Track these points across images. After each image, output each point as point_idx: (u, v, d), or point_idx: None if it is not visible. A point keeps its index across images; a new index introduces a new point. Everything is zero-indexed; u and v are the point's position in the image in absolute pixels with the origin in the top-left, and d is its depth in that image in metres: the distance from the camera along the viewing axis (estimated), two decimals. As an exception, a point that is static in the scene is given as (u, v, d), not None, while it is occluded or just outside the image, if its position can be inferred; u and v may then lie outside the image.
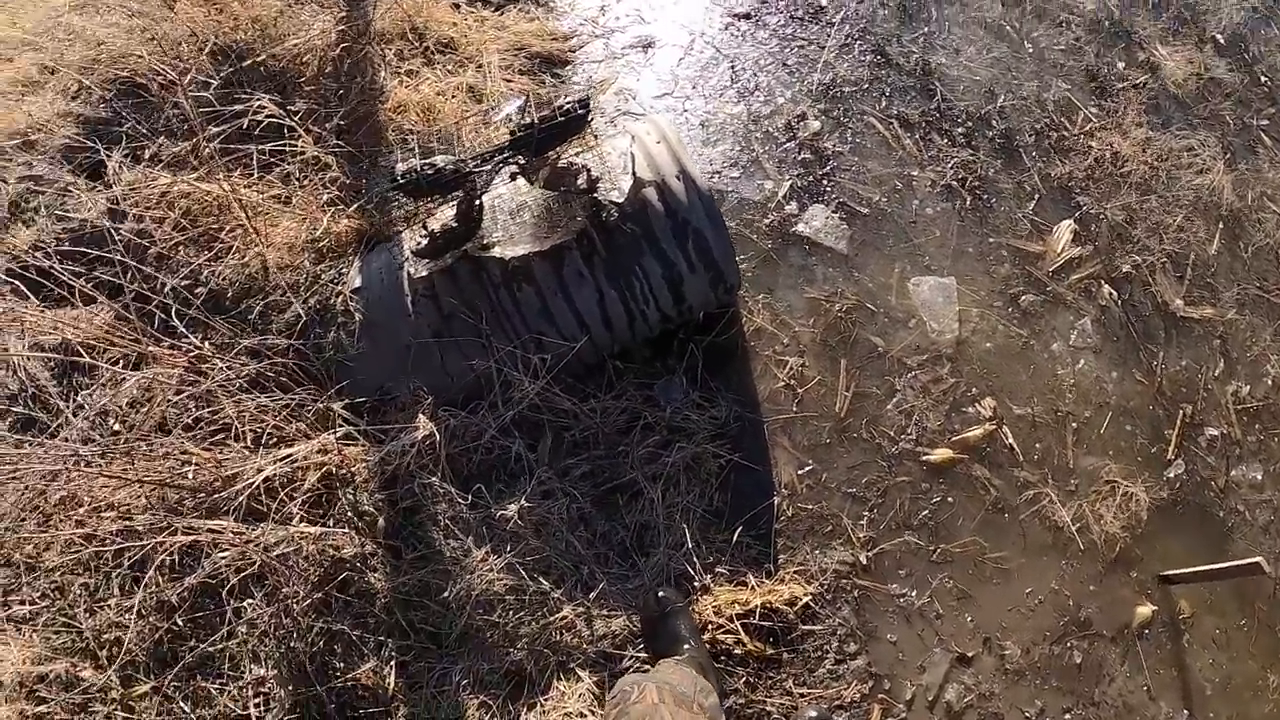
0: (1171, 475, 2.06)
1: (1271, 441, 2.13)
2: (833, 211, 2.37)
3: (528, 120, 1.70)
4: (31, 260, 1.74)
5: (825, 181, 2.44)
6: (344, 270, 1.95)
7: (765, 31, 2.87)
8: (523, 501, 1.68)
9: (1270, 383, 2.17)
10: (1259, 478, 2.11)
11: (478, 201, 1.71)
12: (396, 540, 1.65)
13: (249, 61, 2.18)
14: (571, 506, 1.80)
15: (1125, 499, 2.02)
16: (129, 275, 1.58)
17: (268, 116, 1.90)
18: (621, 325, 1.86)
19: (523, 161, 1.72)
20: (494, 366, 1.82)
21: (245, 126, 1.85)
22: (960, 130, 2.49)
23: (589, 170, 1.80)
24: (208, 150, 1.86)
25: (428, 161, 1.72)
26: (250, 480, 1.39)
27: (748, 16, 2.90)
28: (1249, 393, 2.14)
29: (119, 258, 1.58)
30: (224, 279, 1.81)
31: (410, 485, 1.67)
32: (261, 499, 1.43)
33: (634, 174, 1.82)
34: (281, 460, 1.40)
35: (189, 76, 1.94)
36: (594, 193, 1.76)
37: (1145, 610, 2.02)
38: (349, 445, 1.63)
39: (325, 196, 2.06)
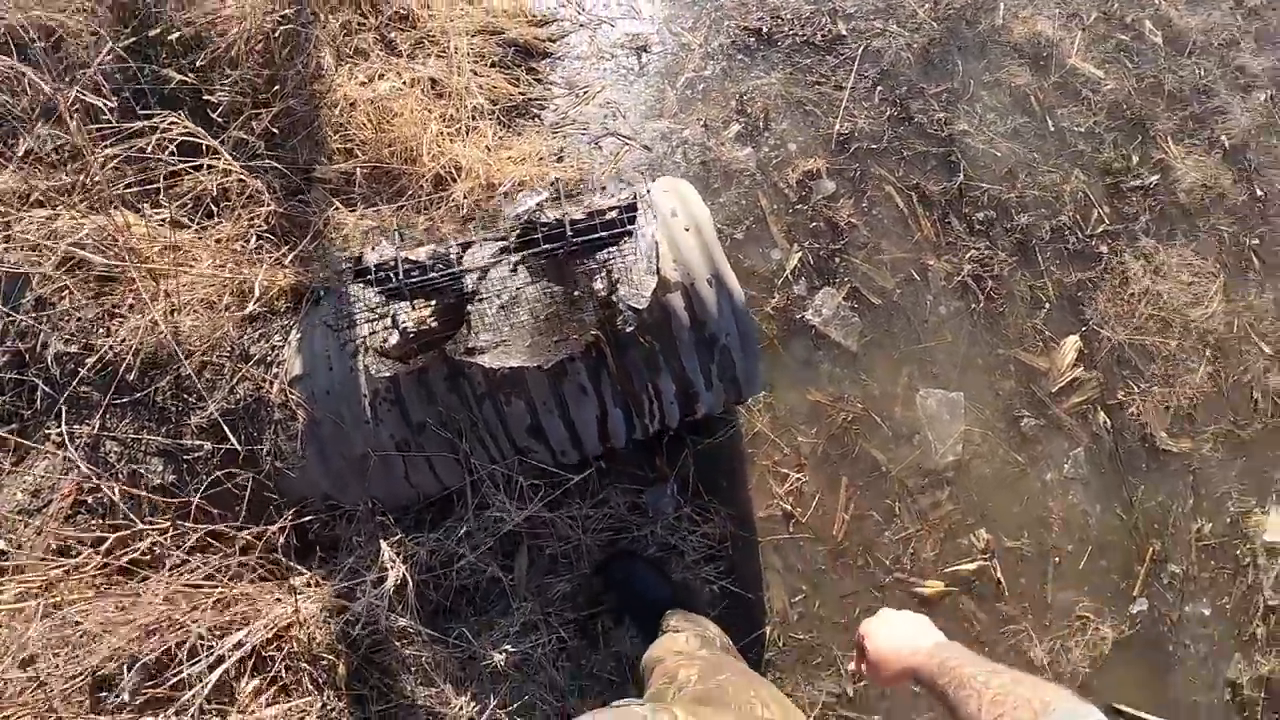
0: (1134, 611, 2.64)
1: (1220, 578, 2.76)
2: (844, 298, 2.68)
3: (552, 220, 1.77)
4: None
5: (838, 259, 2.76)
6: (277, 343, 1.95)
7: (778, 54, 3.11)
8: (507, 647, 1.86)
9: (1228, 520, 2.80)
10: (1206, 613, 2.74)
11: (468, 306, 1.78)
12: (361, 687, 1.78)
13: (157, 30, 2.11)
14: (554, 638, 2.00)
15: (1093, 635, 2.54)
16: None
17: (181, 133, 1.87)
18: (619, 437, 2.09)
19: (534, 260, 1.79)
20: (469, 484, 1.93)
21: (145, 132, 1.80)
22: (980, 216, 2.90)
23: (610, 270, 1.88)
24: (98, 167, 1.81)
25: (410, 258, 1.76)
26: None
27: (759, 33, 3.11)
28: (1210, 530, 2.75)
29: None
30: (123, 345, 1.80)
31: (375, 625, 1.80)
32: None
33: (659, 274, 1.91)
34: (232, 648, 1.49)
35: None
36: (611, 298, 1.86)
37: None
38: (302, 590, 1.73)
39: (253, 236, 2.07)
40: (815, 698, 2.44)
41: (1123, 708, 2.65)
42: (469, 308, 1.80)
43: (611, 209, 1.83)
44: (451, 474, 1.96)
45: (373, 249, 1.86)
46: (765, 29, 3.23)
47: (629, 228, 1.80)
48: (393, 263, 1.75)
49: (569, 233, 1.77)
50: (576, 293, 1.90)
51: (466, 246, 1.83)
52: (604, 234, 1.79)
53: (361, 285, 1.76)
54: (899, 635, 1.28)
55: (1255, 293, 3.24)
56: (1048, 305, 2.89)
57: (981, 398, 2.72)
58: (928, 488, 2.61)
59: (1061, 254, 2.98)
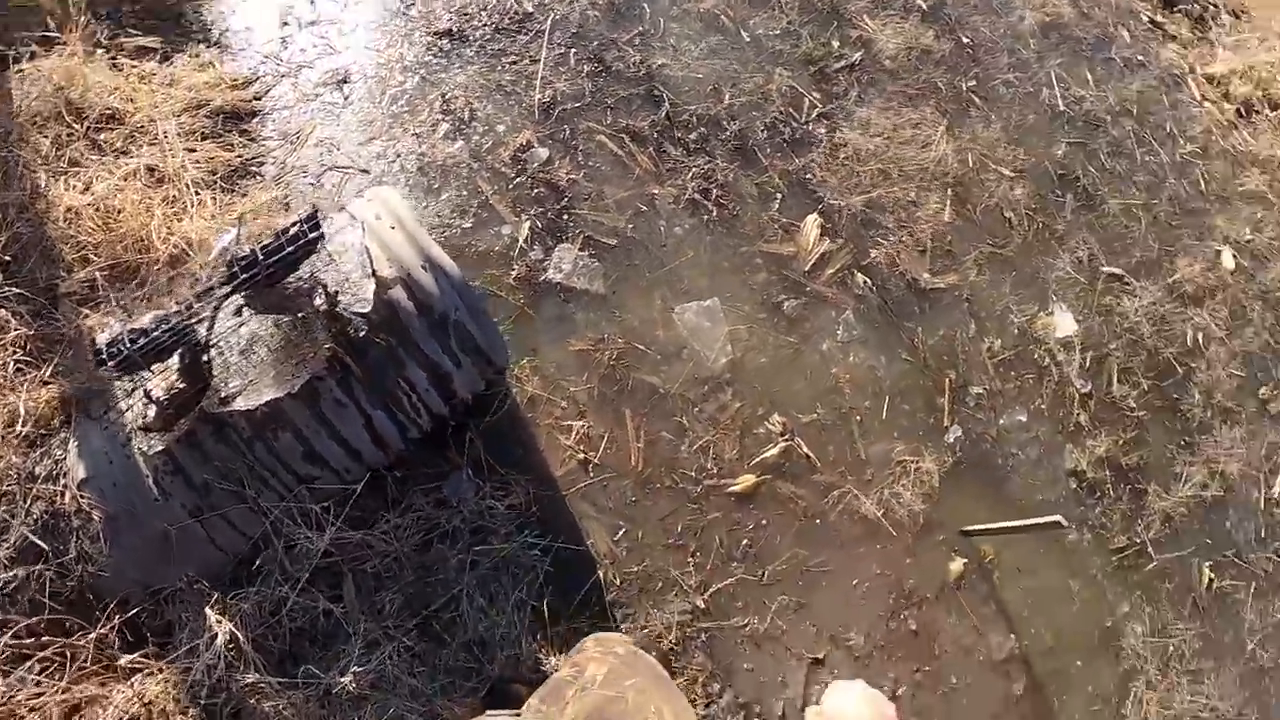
0: (950, 440, 2.74)
1: (1026, 384, 2.89)
2: (580, 249, 2.79)
3: (247, 253, 1.85)
4: None
5: (566, 216, 2.87)
6: (59, 455, 1.99)
7: (471, 49, 3.26)
8: (354, 668, 1.88)
9: (1016, 331, 2.93)
10: (1024, 419, 2.85)
11: (205, 356, 1.84)
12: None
13: None
14: (400, 648, 2.03)
15: (918, 474, 2.63)
16: None
17: None
18: (394, 439, 2.14)
19: (247, 294, 1.87)
20: (270, 527, 1.97)
21: None
22: (694, 136, 3.05)
23: (325, 286, 1.97)
24: None
25: (134, 328, 1.82)
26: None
27: (450, 34, 3.26)
28: (1000, 345, 2.88)
29: None
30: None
31: (227, 690, 1.82)
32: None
33: (374, 275, 2.01)
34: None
35: None
36: (335, 309, 1.96)
37: (957, 565, 2.69)
38: (146, 678, 1.75)
39: (10, 364, 2.12)
40: (670, 620, 2.47)
41: (971, 528, 2.73)
42: (206, 359, 1.87)
43: (293, 225, 1.92)
44: (251, 523, 2.01)
45: (103, 332, 1.92)
46: (455, 28, 3.39)
47: (312, 235, 1.89)
48: (120, 337, 1.81)
49: (260, 258, 1.85)
50: (302, 315, 1.99)
51: (188, 305, 1.91)
52: (291, 249, 1.87)
53: (105, 369, 1.83)
54: None
55: (981, 127, 3.45)
56: (779, 195, 3.03)
57: (738, 296, 2.83)
58: (710, 394, 2.69)
59: (780, 146, 3.15)
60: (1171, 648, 3.21)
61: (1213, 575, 3.36)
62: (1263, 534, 3.55)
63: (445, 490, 2.51)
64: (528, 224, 2.93)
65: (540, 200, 2.98)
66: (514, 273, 2.84)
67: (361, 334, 1.95)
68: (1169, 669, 3.20)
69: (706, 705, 2.50)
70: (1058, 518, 2.44)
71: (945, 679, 2.75)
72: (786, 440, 2.63)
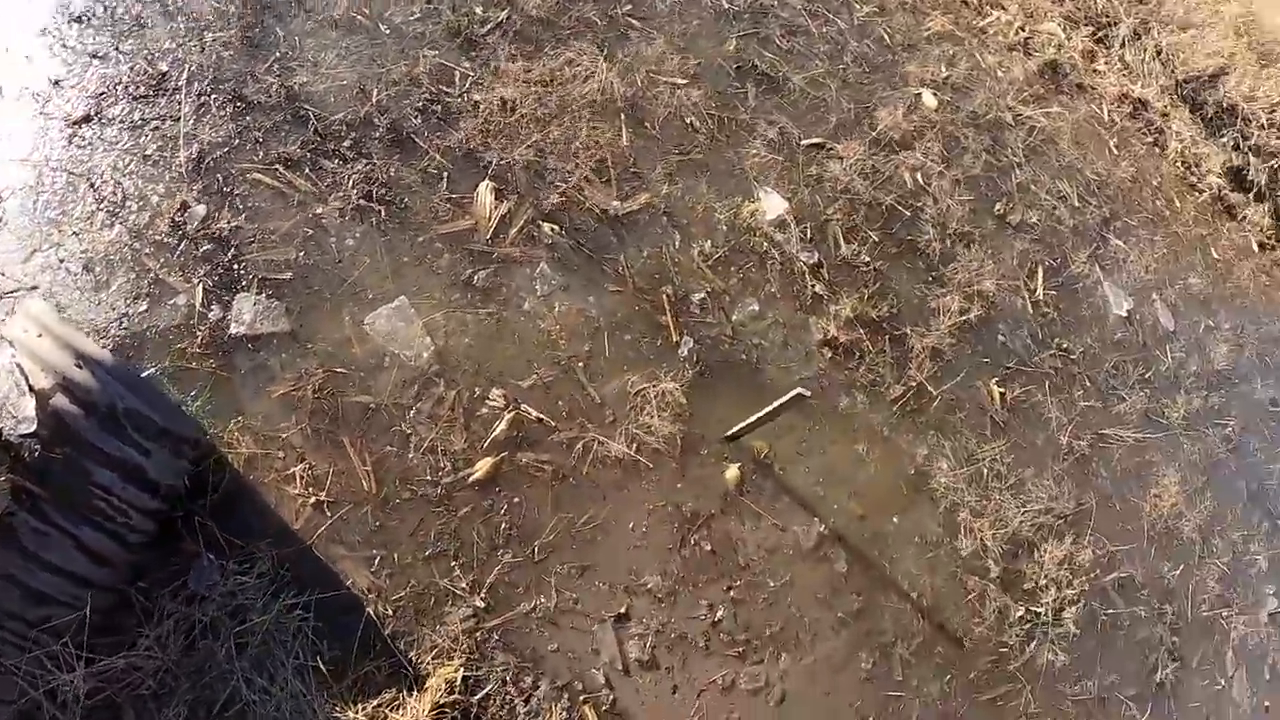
0: (685, 353, 2.67)
1: (749, 273, 2.86)
2: (257, 293, 2.62)
3: None
4: None
5: (236, 265, 2.71)
6: None
7: (113, 128, 3.06)
8: None
9: (725, 227, 2.90)
10: (757, 308, 2.82)
11: None
12: None
13: None
14: None
15: (661, 397, 2.54)
16: None
17: None
18: (114, 551, 1.98)
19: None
20: (24, 684, 1.82)
21: None
22: (347, 144, 2.92)
23: None
24: None
25: None
26: None
27: (88, 119, 3.06)
28: (711, 246, 2.83)
29: None
30: None
31: None
32: None
33: (31, 389, 1.88)
34: None
35: None
36: (1, 439, 1.82)
37: (733, 472, 2.63)
38: None
39: None
40: (454, 632, 2.34)
41: (731, 432, 2.66)
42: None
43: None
44: (6, 687, 1.82)
45: None
46: (92, 112, 3.16)
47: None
48: None
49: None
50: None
51: None
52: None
53: None
54: None
55: (645, 46, 3.42)
56: (445, 174, 2.93)
57: (425, 287, 2.71)
58: (422, 392, 2.56)
59: (437, 125, 3.04)
60: (985, 471, 3.24)
61: (1002, 390, 3.42)
62: (1039, 335, 3.64)
63: (191, 584, 2.34)
64: (200, 287, 2.75)
65: (208, 258, 2.80)
66: (198, 339, 2.66)
67: (35, 454, 1.83)
68: (989, 491, 3.23)
69: (525, 700, 2.37)
70: (798, 390, 2.39)
71: (762, 585, 2.69)
72: (512, 411, 2.52)
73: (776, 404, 2.52)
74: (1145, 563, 3.73)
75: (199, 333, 2.67)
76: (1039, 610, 3.25)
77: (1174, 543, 3.87)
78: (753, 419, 2.63)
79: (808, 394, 2.43)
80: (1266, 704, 4.03)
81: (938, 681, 2.93)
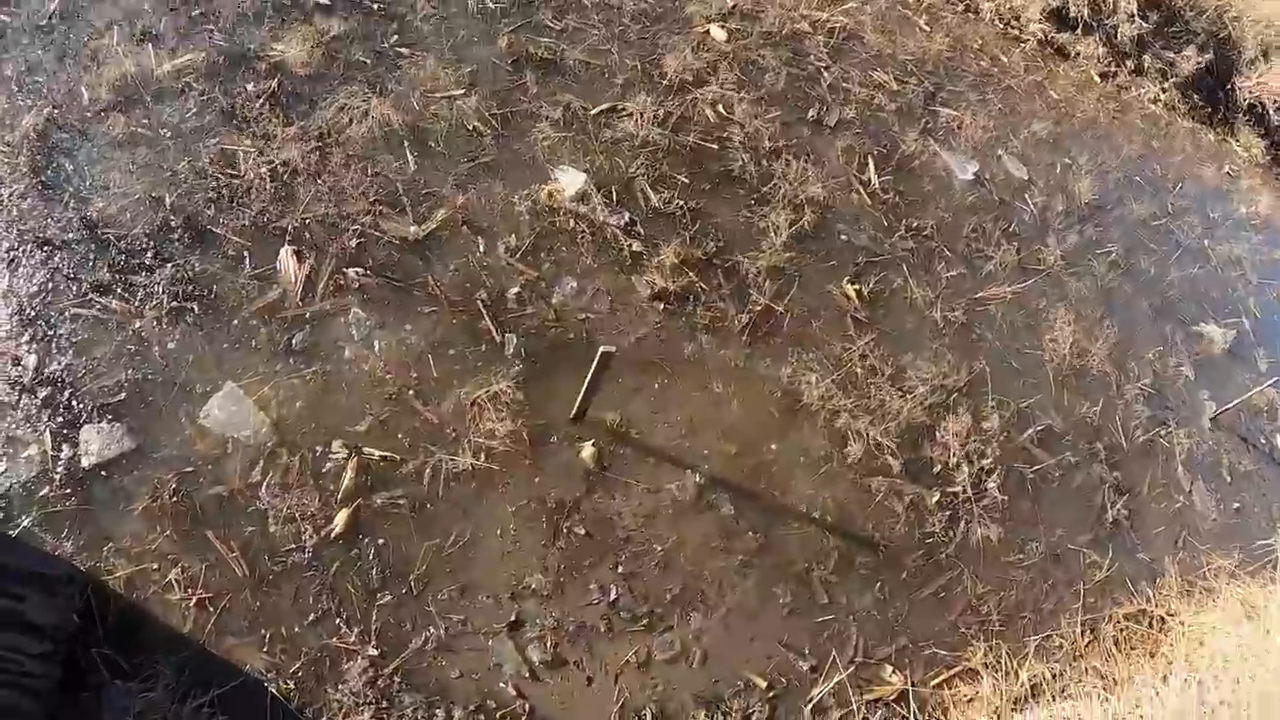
0: (511, 350, 2.72)
1: (561, 254, 2.89)
2: (99, 422, 2.69)
3: None
4: None
5: (74, 401, 2.77)
6: None
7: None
8: None
9: (526, 216, 2.94)
10: (574, 285, 2.84)
11: None
12: None
13: None
14: None
15: (495, 400, 2.59)
16: None
17: None
18: (24, 703, 1.99)
19: None
20: None
21: None
22: (150, 255, 2.97)
23: None
24: None
25: None
26: None
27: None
28: (516, 239, 2.87)
29: None
30: None
31: None
32: None
33: None
34: None
35: None
36: None
37: (588, 450, 2.67)
38: None
39: None
40: (357, 686, 2.37)
41: (573, 413, 2.69)
42: None
43: None
44: None
45: None
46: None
47: None
48: None
49: None
50: None
51: None
52: None
53: None
54: None
55: (415, 70, 3.46)
56: (246, 253, 2.97)
57: (248, 367, 2.75)
58: (268, 467, 2.60)
59: (230, 209, 3.09)
60: (858, 370, 3.27)
61: (857, 287, 3.45)
62: (885, 223, 3.67)
63: (105, 714, 2.38)
64: (46, 433, 2.79)
65: (47, 403, 2.84)
66: (57, 482, 2.70)
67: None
68: (868, 390, 3.25)
69: (446, 732, 2.40)
70: (602, 349, 2.40)
71: (649, 552, 2.72)
72: (355, 458, 2.56)
73: (591, 372, 2.55)
74: (1060, 409, 3.75)
75: (55, 475, 2.72)
76: (955, 490, 3.26)
77: (1085, 380, 3.89)
78: (582, 395, 2.66)
79: (613, 349, 2.46)
80: (1236, 505, 4.05)
81: (868, 593, 2.94)
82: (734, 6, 4.07)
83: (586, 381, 2.57)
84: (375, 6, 3.73)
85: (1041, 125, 4.47)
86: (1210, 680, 3.01)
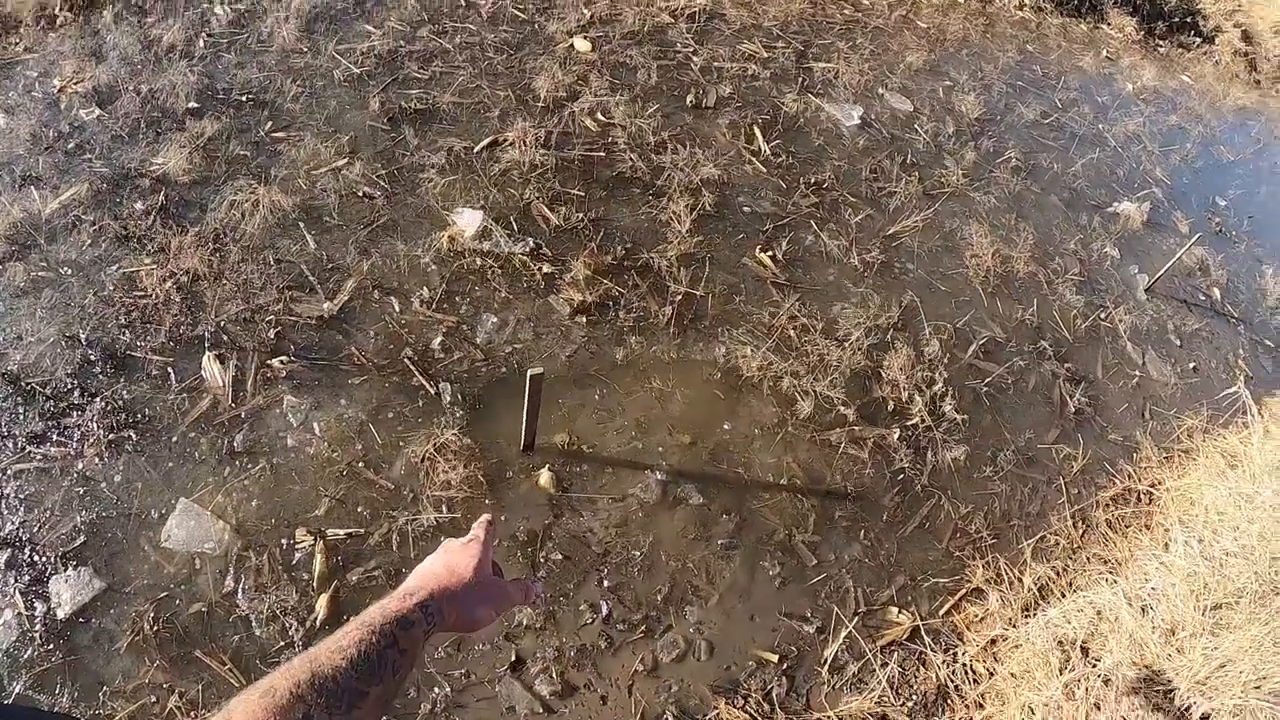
0: (449, 399, 2.80)
1: (475, 294, 2.98)
2: (65, 571, 2.71)
3: None
4: None
5: (36, 557, 2.78)
6: None
7: None
8: None
9: (433, 266, 3.01)
10: (495, 320, 2.92)
11: None
12: None
13: None
14: None
15: (443, 451, 2.65)
16: None
17: None
18: None
19: None
20: None
21: None
22: (76, 394, 2.99)
23: None
24: None
25: None
26: None
27: None
28: (429, 291, 2.93)
29: None
30: None
31: None
32: None
33: None
34: None
35: None
36: None
37: (545, 476, 2.74)
38: None
39: None
40: None
41: (522, 443, 2.74)
42: None
43: None
44: None
45: None
46: None
47: None
48: None
49: None
50: None
51: None
52: None
53: None
54: None
55: (294, 151, 3.50)
56: (169, 369, 3.00)
57: (197, 480, 2.78)
58: (239, 573, 2.62)
59: (144, 330, 3.11)
60: (791, 333, 3.35)
61: (770, 253, 3.54)
62: (783, 186, 3.76)
63: None
64: (16, 594, 2.78)
65: (10, 565, 2.83)
66: (38, 641, 2.70)
67: None
68: (804, 348, 3.34)
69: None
70: (530, 372, 2.45)
71: (630, 558, 2.77)
72: (320, 541, 2.59)
73: (528, 398, 2.60)
74: (997, 318, 3.87)
75: (36, 634, 2.71)
76: (914, 423, 3.35)
77: (1015, 285, 4.01)
78: (525, 423, 2.71)
79: (540, 371, 2.52)
80: (1192, 364, 4.19)
81: (854, 543, 3.01)
82: (592, 17, 4.15)
83: (525, 410, 2.63)
84: (244, 99, 3.77)
85: (915, 56, 4.60)
86: (1209, 535, 3.12)
